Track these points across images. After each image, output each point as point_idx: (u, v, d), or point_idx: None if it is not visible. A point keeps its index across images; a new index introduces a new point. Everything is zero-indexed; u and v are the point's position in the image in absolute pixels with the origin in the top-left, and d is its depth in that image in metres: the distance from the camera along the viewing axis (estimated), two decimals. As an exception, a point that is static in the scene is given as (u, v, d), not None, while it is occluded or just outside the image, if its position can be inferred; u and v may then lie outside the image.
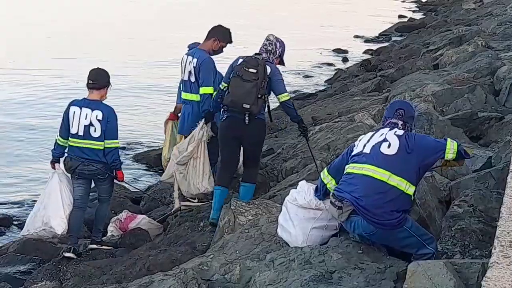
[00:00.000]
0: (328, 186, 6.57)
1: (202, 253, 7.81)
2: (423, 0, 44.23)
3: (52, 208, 9.09)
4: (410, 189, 6.11)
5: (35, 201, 12.48)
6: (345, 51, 28.13)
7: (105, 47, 27.10)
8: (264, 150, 12.06)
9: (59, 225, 9.07)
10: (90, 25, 32.44)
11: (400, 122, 6.46)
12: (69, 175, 9.11)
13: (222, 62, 9.76)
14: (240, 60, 8.65)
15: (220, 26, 9.72)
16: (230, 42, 9.66)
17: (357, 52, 28.24)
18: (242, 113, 8.54)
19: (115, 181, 9.27)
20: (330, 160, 9.76)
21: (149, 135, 16.24)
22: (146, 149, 15.28)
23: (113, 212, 10.20)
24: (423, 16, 36.17)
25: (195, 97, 9.48)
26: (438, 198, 7.26)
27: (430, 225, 6.78)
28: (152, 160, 14.00)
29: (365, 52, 27.90)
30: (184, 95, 9.63)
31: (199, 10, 38.24)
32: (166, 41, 28.15)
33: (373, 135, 6.41)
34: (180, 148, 9.46)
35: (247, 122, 8.54)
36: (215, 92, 9.10)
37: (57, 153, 9.14)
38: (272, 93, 8.83)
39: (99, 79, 8.96)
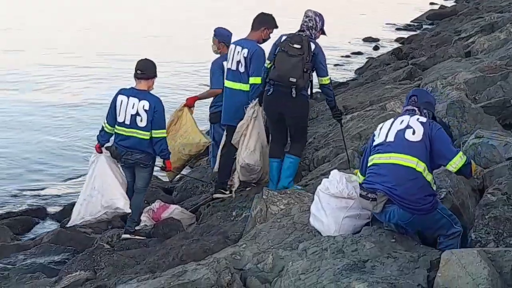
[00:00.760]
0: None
1: (234, 242, 7.82)
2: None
3: (111, 189, 9.23)
4: (428, 176, 6.14)
5: (68, 192, 12.67)
6: (376, 40, 28.06)
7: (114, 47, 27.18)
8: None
9: (125, 204, 9.20)
10: (99, 26, 32.54)
11: (415, 109, 6.48)
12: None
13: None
14: (284, 37, 8.73)
15: (264, 14, 9.68)
16: (277, 27, 9.65)
17: (388, 40, 28.14)
18: (288, 86, 8.60)
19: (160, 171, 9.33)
20: (361, 149, 9.74)
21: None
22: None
23: (146, 202, 10.24)
24: (454, 4, 35.94)
25: (244, 87, 9.44)
26: (471, 186, 7.22)
27: (464, 214, 6.75)
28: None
29: (396, 40, 27.79)
30: (231, 84, 9.54)
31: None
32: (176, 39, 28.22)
33: (392, 122, 6.41)
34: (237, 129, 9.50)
35: (294, 95, 8.60)
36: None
37: (103, 139, 9.33)
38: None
39: (147, 70, 9.11)
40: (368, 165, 6.37)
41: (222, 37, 10.40)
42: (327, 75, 8.86)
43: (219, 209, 9.44)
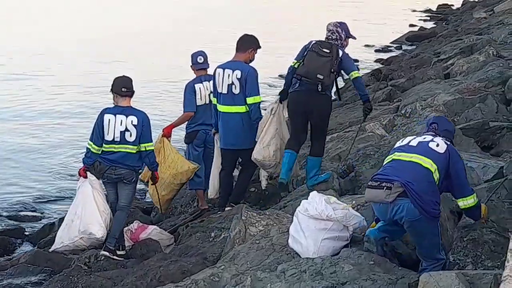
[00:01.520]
0: None
1: (213, 264, 7.79)
2: (434, 9, 44.22)
3: (89, 215, 9.37)
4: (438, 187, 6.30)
5: (46, 213, 12.61)
6: (356, 60, 28.06)
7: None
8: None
9: (99, 230, 9.36)
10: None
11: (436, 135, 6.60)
12: (100, 181, 9.40)
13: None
14: (314, 42, 9.16)
15: (248, 35, 9.77)
16: (260, 47, 9.76)
17: (368, 61, 28.23)
18: (315, 83, 8.97)
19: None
20: (341, 170, 9.76)
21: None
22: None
23: (124, 224, 10.20)
24: (434, 25, 36.17)
25: (239, 109, 9.52)
26: (450, 209, 7.23)
27: (442, 236, 6.75)
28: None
29: (376, 61, 27.88)
30: (226, 108, 9.56)
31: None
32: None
33: (414, 138, 6.56)
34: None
35: (320, 89, 8.97)
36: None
37: (90, 161, 9.36)
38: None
39: (131, 87, 9.28)
40: (385, 162, 6.45)
41: (191, 61, 10.57)
42: (357, 70, 9.35)
43: (197, 230, 9.40)
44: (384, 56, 28.52)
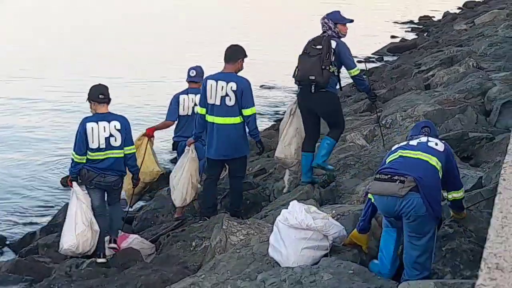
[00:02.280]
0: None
1: (194, 273, 7.81)
2: (415, 21, 44.45)
3: (66, 226, 9.48)
4: None
5: (27, 222, 12.59)
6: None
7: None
8: (256, 169, 12.11)
9: (67, 242, 9.37)
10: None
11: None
12: (85, 192, 9.46)
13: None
14: (309, 40, 9.48)
15: (236, 45, 9.93)
16: (247, 56, 9.91)
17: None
18: (309, 84, 9.31)
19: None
20: (321, 179, 9.81)
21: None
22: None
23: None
24: (415, 37, 36.31)
25: (234, 120, 9.62)
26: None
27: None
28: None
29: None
30: (219, 120, 9.62)
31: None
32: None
33: (410, 140, 6.66)
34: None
35: (313, 91, 9.30)
36: None
37: (76, 171, 9.47)
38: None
39: (108, 94, 9.45)
40: (391, 159, 6.43)
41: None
42: (355, 67, 9.55)
43: (179, 239, 9.42)
44: (365, 66, 28.56)
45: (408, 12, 48.77)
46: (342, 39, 9.50)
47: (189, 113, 10.83)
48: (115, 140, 9.32)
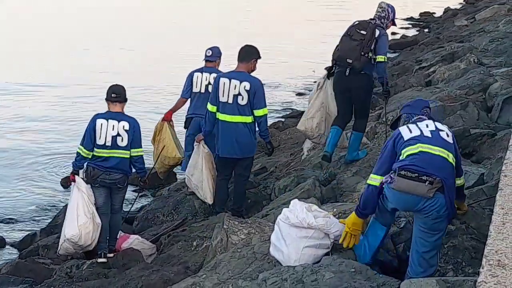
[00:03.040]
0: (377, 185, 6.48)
1: (195, 273, 7.78)
2: (416, 17, 44.38)
3: (68, 219, 9.54)
4: None
5: (27, 223, 12.56)
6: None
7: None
8: (257, 168, 12.07)
9: (69, 232, 9.43)
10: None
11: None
12: (88, 185, 9.54)
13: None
14: (354, 23, 9.78)
15: (250, 46, 10.03)
16: (261, 57, 10.03)
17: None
18: (345, 66, 9.61)
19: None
20: (322, 178, 9.76)
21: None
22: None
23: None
24: (416, 33, 36.23)
25: (246, 119, 9.72)
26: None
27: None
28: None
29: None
30: (230, 118, 9.72)
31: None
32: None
33: (417, 125, 6.47)
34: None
35: (347, 74, 9.61)
36: None
37: (79, 164, 9.60)
38: None
39: (121, 93, 9.55)
40: (410, 153, 6.26)
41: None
42: (384, 54, 9.76)
43: (179, 239, 9.40)
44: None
45: (408, 8, 48.70)
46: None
47: (202, 91, 11.12)
48: (122, 140, 9.39)
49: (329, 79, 10.05)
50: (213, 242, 8.10)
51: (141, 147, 9.64)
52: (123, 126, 9.41)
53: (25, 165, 15.94)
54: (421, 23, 41.12)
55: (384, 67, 9.88)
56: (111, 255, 9.55)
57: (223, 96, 9.67)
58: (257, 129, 9.91)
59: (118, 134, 9.40)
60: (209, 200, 10.24)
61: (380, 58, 9.67)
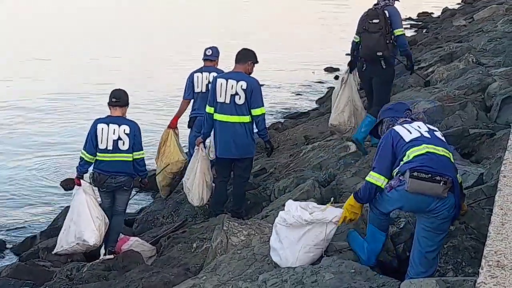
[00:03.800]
0: (382, 186, 6.36)
1: (195, 274, 7.78)
2: (414, 17, 44.39)
3: (83, 222, 9.64)
4: None
5: (27, 226, 12.55)
6: (337, 69, 28.17)
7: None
8: (257, 169, 12.08)
9: (91, 237, 9.63)
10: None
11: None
12: (95, 188, 9.76)
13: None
14: (363, 15, 10.06)
15: (247, 49, 10.09)
16: (258, 62, 10.11)
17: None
18: (377, 60, 9.94)
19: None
20: (322, 179, 9.76)
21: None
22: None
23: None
24: (414, 33, 36.25)
25: (243, 119, 9.75)
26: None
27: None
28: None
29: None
30: (227, 118, 9.77)
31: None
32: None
33: (410, 126, 6.45)
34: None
35: (384, 67, 10.03)
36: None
37: (83, 169, 9.79)
38: None
39: (122, 98, 9.69)
40: (417, 154, 6.21)
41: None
42: (401, 28, 10.12)
43: (179, 240, 9.40)
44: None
45: (406, 8, 48.72)
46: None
47: (203, 90, 11.16)
48: (123, 144, 9.54)
49: (351, 73, 10.45)
50: (213, 243, 8.10)
51: (142, 149, 9.77)
52: (124, 130, 9.55)
53: (24, 167, 15.94)
54: (420, 23, 41.16)
55: (404, 39, 10.18)
56: (111, 257, 9.59)
57: (220, 96, 9.71)
58: (255, 129, 9.90)
59: (120, 138, 9.54)
60: (196, 203, 10.25)
61: (397, 31, 10.02)
